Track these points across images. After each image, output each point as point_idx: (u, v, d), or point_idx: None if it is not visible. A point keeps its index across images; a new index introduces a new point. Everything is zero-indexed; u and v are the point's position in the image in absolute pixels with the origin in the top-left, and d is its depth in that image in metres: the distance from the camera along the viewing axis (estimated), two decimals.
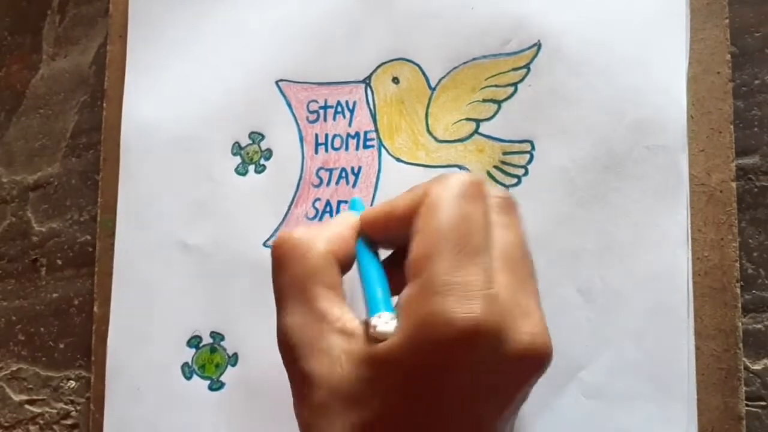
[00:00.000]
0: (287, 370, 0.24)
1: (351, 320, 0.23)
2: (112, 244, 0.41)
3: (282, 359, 0.24)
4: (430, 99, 0.35)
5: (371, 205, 0.35)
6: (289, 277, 0.24)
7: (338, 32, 0.37)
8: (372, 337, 0.22)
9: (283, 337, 0.24)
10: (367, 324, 0.23)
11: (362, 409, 0.21)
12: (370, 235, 0.27)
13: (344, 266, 0.25)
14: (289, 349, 0.23)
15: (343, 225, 0.26)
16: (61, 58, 0.47)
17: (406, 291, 0.22)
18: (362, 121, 0.36)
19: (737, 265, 0.30)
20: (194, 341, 0.38)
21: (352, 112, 0.37)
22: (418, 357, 0.21)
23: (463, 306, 0.21)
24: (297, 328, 0.23)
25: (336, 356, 0.22)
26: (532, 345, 0.22)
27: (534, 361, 0.22)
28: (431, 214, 0.23)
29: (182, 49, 0.41)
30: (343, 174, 0.36)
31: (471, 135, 0.34)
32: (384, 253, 0.27)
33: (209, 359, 0.37)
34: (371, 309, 0.23)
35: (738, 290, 0.30)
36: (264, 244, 0.37)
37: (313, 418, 0.22)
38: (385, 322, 0.22)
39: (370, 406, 0.21)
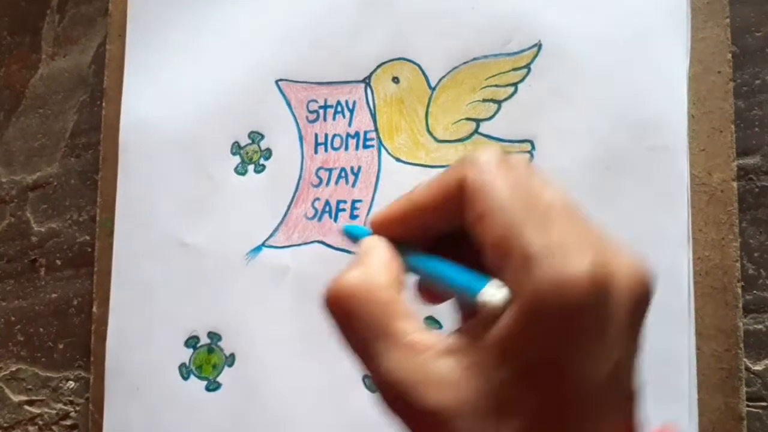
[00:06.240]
0: (403, 419, 0.23)
1: (445, 338, 0.23)
2: (112, 244, 0.41)
3: (391, 409, 0.23)
4: (430, 99, 0.35)
5: (371, 204, 0.35)
6: (365, 325, 0.23)
7: (338, 32, 0.37)
8: (485, 319, 0.22)
9: (387, 386, 0.22)
10: (468, 314, 0.22)
11: (511, 416, 0.20)
12: (391, 235, 0.26)
13: (403, 287, 0.25)
14: (400, 395, 0.22)
15: (374, 248, 0.26)
16: (60, 58, 0.47)
17: (506, 268, 0.22)
18: (362, 120, 0.36)
19: (738, 265, 0.30)
20: (192, 341, 0.38)
21: (351, 111, 0.36)
22: (546, 326, 0.20)
23: (576, 260, 0.20)
24: (398, 371, 0.22)
25: (455, 379, 0.21)
26: (640, 272, 0.21)
27: (647, 286, 0.22)
28: (486, 195, 0.23)
29: (182, 49, 0.41)
30: (343, 174, 0.36)
31: (471, 135, 0.34)
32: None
33: (206, 359, 0.37)
34: (469, 291, 0.23)
35: (739, 290, 0.30)
36: (263, 244, 0.37)
37: None
38: (493, 294, 0.22)
39: (517, 407, 0.20)
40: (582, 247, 0.21)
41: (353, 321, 0.24)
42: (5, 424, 0.44)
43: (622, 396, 0.22)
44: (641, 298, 0.22)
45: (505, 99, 0.34)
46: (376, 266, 0.25)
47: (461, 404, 0.21)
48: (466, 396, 0.21)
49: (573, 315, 0.20)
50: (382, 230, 0.26)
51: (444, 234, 0.25)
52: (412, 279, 0.28)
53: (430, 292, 0.28)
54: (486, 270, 0.23)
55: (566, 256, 0.20)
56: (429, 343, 0.23)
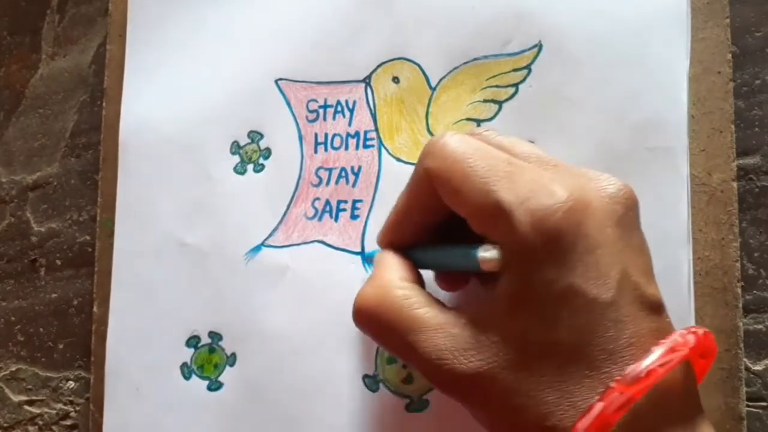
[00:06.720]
0: (453, 392, 0.24)
1: (466, 310, 0.24)
2: (112, 244, 0.41)
3: (440, 387, 0.24)
4: (430, 99, 0.35)
5: (371, 204, 0.35)
6: (392, 325, 0.25)
7: (338, 31, 0.37)
8: (490, 283, 0.23)
9: (430, 367, 0.24)
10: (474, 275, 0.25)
11: (543, 357, 0.22)
12: (397, 245, 0.28)
13: (419, 282, 0.27)
14: (443, 370, 0.23)
15: (381, 260, 0.28)
16: (60, 58, 0.47)
17: (491, 228, 0.23)
18: (362, 120, 0.36)
19: (738, 265, 0.30)
20: (193, 341, 0.38)
21: (351, 111, 0.36)
22: (538, 261, 0.22)
23: (545, 198, 0.22)
24: (436, 351, 0.23)
25: (485, 343, 0.23)
26: (613, 189, 0.24)
27: (625, 199, 0.24)
28: (449, 175, 0.24)
29: (182, 48, 0.41)
30: (343, 174, 0.36)
31: None
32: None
33: (208, 359, 0.37)
34: (467, 262, 0.24)
35: (739, 290, 0.30)
36: (263, 244, 0.37)
37: (516, 398, 0.22)
38: (485, 255, 0.23)
39: (545, 348, 0.22)
40: (549, 187, 0.22)
41: (381, 326, 0.25)
42: (5, 424, 0.44)
43: (639, 304, 0.22)
44: (623, 211, 0.23)
45: (506, 99, 0.34)
46: (386, 273, 0.26)
47: (497, 362, 0.22)
48: (498, 354, 0.22)
49: (556, 241, 0.21)
50: (387, 244, 0.28)
51: (446, 222, 0.26)
52: (429, 274, 0.29)
53: (448, 280, 0.29)
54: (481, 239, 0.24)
55: (536, 199, 0.22)
56: (453, 319, 0.24)
